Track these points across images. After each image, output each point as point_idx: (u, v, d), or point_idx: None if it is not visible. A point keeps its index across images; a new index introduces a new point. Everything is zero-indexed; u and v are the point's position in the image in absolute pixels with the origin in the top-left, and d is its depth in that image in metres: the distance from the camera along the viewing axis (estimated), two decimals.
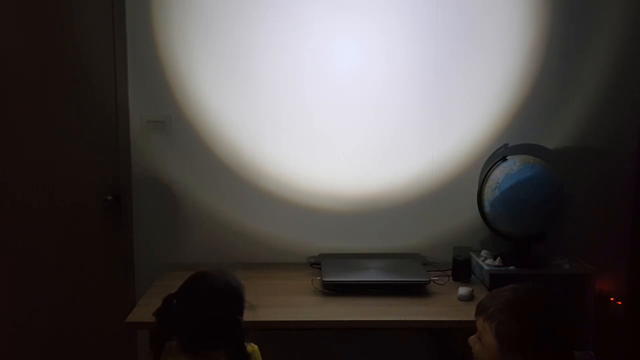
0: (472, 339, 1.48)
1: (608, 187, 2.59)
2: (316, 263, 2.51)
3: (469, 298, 2.17)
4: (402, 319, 2.03)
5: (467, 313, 2.07)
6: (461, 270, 2.38)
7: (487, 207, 2.41)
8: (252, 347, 1.63)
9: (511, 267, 2.34)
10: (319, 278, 2.27)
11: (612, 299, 2.59)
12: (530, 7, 2.47)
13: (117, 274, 2.52)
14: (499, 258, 2.38)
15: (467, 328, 2.12)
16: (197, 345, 1.52)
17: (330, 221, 2.57)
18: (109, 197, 2.48)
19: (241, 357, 1.55)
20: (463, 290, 2.18)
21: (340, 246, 2.58)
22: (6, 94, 2.18)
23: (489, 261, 2.40)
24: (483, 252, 2.48)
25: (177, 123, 2.49)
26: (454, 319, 2.04)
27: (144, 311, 2.06)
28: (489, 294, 1.50)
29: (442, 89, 2.50)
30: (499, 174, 2.38)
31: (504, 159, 2.43)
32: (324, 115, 2.50)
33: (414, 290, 2.23)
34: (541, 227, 2.37)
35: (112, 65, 2.44)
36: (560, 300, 1.42)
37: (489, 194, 2.39)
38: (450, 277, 2.38)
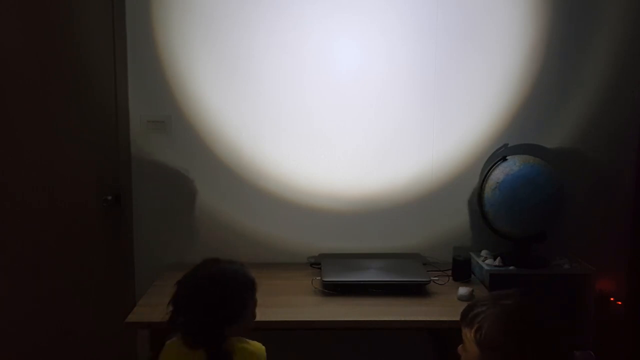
0: (459, 348, 1.48)
1: (608, 187, 2.59)
2: (316, 263, 2.51)
3: (469, 298, 2.17)
4: (402, 319, 2.03)
5: None
6: (461, 270, 2.38)
7: (487, 207, 2.41)
8: (255, 346, 1.63)
9: (511, 267, 2.35)
10: (319, 278, 2.27)
11: (612, 299, 2.59)
12: (530, 7, 2.47)
13: (117, 274, 2.52)
14: (499, 258, 2.39)
15: None
16: (204, 333, 1.51)
17: (330, 221, 2.57)
18: (109, 197, 2.48)
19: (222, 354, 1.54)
20: (463, 290, 2.18)
21: (340, 246, 2.58)
22: (6, 94, 2.18)
23: (489, 261, 2.40)
24: (483, 252, 2.49)
25: (177, 123, 2.49)
26: (454, 319, 2.02)
27: (144, 311, 2.06)
28: (470, 303, 1.49)
29: (442, 89, 2.50)
30: (499, 174, 2.38)
31: (504, 159, 2.43)
32: (324, 115, 2.50)
33: (414, 290, 2.23)
34: (541, 227, 2.37)
35: (112, 65, 2.44)
36: (541, 303, 1.41)
37: (489, 194, 2.39)
38: (450, 277, 2.38)
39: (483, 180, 2.46)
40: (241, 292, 1.57)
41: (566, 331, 1.47)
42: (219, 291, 1.53)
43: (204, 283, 1.55)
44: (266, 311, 2.04)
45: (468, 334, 1.41)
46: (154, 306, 2.10)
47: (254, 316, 1.62)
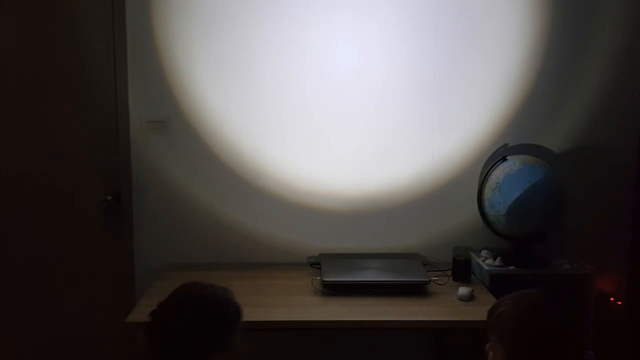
0: (487, 346, 1.49)
1: (608, 187, 2.59)
2: (316, 263, 2.51)
3: (469, 298, 2.17)
4: (402, 319, 2.03)
5: (467, 313, 2.07)
6: (461, 270, 2.38)
7: (487, 207, 2.41)
8: None
9: (511, 267, 2.34)
10: (319, 278, 2.27)
11: (612, 299, 2.59)
12: (530, 7, 2.47)
13: (117, 274, 2.52)
14: (499, 258, 2.39)
15: (467, 328, 2.13)
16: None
17: (330, 221, 2.57)
18: (109, 197, 2.48)
19: None
20: (463, 290, 2.18)
21: (340, 246, 2.58)
22: (6, 94, 2.19)
23: (489, 261, 2.40)
24: (483, 252, 2.48)
25: (177, 123, 2.49)
26: (454, 319, 2.04)
27: (144, 311, 2.05)
28: (496, 302, 1.50)
29: (442, 88, 2.50)
30: (499, 174, 2.38)
31: (504, 159, 2.43)
32: (324, 115, 2.50)
33: (414, 290, 2.23)
34: (541, 227, 2.37)
35: (112, 65, 2.44)
36: (563, 306, 1.42)
37: (489, 194, 2.39)
38: (450, 277, 2.38)
39: (483, 181, 2.46)
40: (227, 317, 1.44)
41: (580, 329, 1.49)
42: (204, 315, 1.40)
43: (187, 307, 1.42)
44: (266, 311, 2.05)
45: (493, 337, 1.42)
46: (153, 306, 2.10)
47: (238, 345, 1.47)
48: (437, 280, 2.34)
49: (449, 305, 2.13)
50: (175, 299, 1.47)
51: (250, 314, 2.01)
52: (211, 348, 1.42)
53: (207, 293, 1.47)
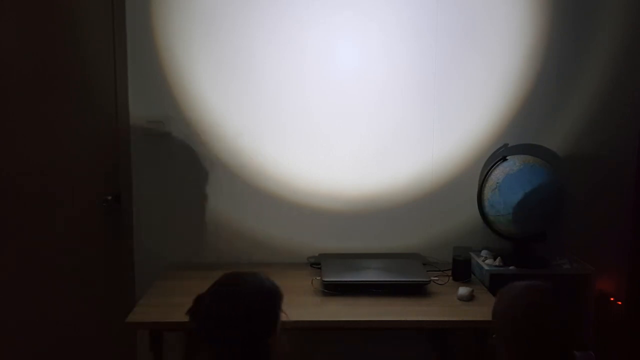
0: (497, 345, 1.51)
1: (608, 187, 2.59)
2: (316, 263, 2.51)
3: (469, 298, 2.17)
4: (402, 319, 2.03)
5: (467, 313, 2.07)
6: (461, 270, 2.38)
7: (487, 207, 2.41)
8: None
9: (511, 267, 2.35)
10: (319, 278, 2.27)
11: (612, 299, 2.59)
12: (530, 7, 2.47)
13: (117, 274, 2.52)
14: (499, 258, 2.39)
15: (467, 328, 2.13)
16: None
17: (330, 221, 2.57)
18: (109, 197, 2.48)
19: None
20: (463, 290, 2.18)
21: (340, 246, 2.58)
22: (6, 94, 2.18)
23: (489, 261, 2.40)
24: (483, 252, 2.48)
25: (177, 123, 2.49)
26: (454, 319, 2.04)
27: (144, 311, 2.06)
28: (500, 293, 1.52)
29: (442, 88, 2.50)
30: (499, 174, 2.38)
31: (504, 159, 2.43)
32: (324, 115, 2.50)
33: (414, 290, 2.23)
34: (541, 227, 2.37)
35: (112, 65, 2.44)
36: (562, 304, 1.44)
37: (489, 194, 2.39)
38: (450, 277, 2.38)
39: (483, 181, 2.46)
40: (277, 303, 1.50)
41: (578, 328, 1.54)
42: (258, 304, 1.45)
43: (241, 297, 1.45)
44: None
45: (498, 326, 1.45)
46: (154, 306, 2.10)
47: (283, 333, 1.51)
48: (437, 280, 2.34)
49: (449, 305, 2.13)
50: (217, 293, 1.46)
51: None
52: (263, 335, 1.43)
53: (249, 281, 1.50)
